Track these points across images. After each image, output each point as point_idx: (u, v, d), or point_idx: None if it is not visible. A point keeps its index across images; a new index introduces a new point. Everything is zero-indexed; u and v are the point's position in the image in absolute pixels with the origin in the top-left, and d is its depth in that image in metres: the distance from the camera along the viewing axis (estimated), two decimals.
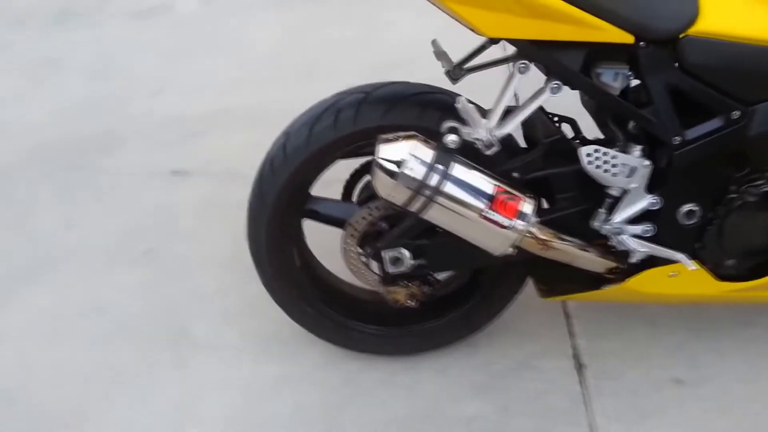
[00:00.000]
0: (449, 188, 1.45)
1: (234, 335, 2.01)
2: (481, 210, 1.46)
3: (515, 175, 1.56)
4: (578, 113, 1.76)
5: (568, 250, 1.57)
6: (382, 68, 2.71)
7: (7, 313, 2.11)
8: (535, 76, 1.53)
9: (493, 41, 1.61)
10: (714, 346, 1.95)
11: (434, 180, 1.44)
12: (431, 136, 1.51)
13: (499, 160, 1.57)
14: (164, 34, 3.41)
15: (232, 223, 2.09)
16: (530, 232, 1.52)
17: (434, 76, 1.75)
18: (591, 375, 1.89)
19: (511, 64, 1.53)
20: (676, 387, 1.86)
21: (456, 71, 1.79)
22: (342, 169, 1.78)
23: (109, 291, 2.16)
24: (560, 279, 1.78)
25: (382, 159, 1.43)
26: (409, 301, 1.73)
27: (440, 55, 1.79)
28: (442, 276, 1.83)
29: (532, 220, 1.50)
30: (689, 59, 1.48)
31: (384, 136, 1.47)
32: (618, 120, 1.58)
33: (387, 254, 1.64)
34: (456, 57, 1.77)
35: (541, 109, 1.73)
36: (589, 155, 1.51)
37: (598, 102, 1.62)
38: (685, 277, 1.64)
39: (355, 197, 1.82)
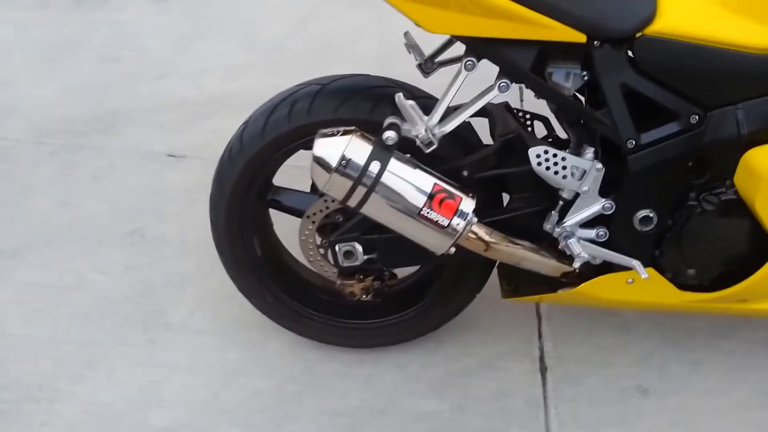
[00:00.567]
0: (385, 185, 1.43)
1: (205, 320, 2.04)
2: (418, 209, 1.44)
3: (465, 173, 1.53)
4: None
5: (514, 252, 1.54)
6: (389, 55, 2.68)
7: None
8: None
9: None
10: (687, 356, 1.90)
11: (370, 176, 1.43)
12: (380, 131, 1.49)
13: (449, 157, 1.55)
14: (179, 16, 3.44)
15: None
16: (473, 232, 1.49)
17: None
18: (553, 379, 1.86)
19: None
20: (640, 396, 1.82)
21: (428, 64, 1.77)
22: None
23: (93, 269, 2.20)
24: (524, 280, 1.75)
25: (317, 154, 1.42)
26: (364, 296, 1.72)
27: (412, 47, 1.77)
28: (402, 271, 1.82)
29: (473, 220, 1.47)
30: (645, 60, 1.43)
31: (323, 131, 1.46)
32: (571, 121, 1.54)
33: (340, 248, 1.63)
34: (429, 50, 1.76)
35: (505, 105, 1.71)
36: (538, 156, 1.48)
37: (550, 102, 1.58)
38: (644, 284, 1.59)
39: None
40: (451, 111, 1.48)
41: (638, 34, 1.41)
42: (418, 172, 1.45)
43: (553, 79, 1.45)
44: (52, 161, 2.63)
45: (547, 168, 1.48)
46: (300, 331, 1.87)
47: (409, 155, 1.47)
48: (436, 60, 1.77)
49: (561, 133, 1.71)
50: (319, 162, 1.43)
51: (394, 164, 1.43)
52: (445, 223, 1.45)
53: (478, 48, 1.44)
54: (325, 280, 1.81)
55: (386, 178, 1.43)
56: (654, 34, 1.41)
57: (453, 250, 1.50)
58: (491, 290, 1.82)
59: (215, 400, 1.84)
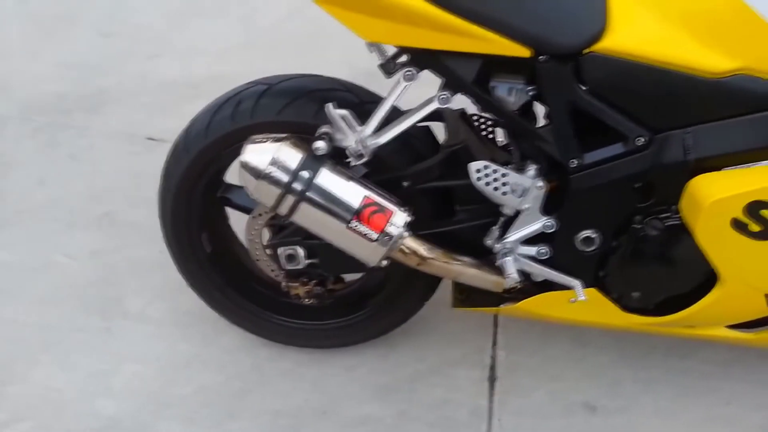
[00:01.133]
0: (313, 196, 1.41)
1: (161, 310, 2.04)
2: (347, 221, 1.42)
3: (405, 183, 1.50)
4: None
5: (448, 268, 1.51)
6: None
7: None
8: None
9: None
10: (641, 374, 1.86)
11: (298, 186, 1.40)
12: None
13: (393, 166, 1.52)
14: None
15: None
16: (406, 246, 1.46)
17: None
18: (501, 390, 1.83)
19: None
20: (586, 413, 1.79)
21: (389, 65, 1.72)
22: None
23: (60, 252, 2.22)
24: (476, 290, 1.72)
25: (245, 159, 1.40)
26: (307, 299, 1.71)
27: (374, 46, 1.73)
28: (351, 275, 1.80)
29: (403, 234, 1.44)
30: (592, 78, 1.38)
31: (254, 137, 1.44)
32: (515, 136, 1.50)
33: (283, 250, 1.62)
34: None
35: (461, 112, 1.66)
36: (478, 171, 1.44)
37: (494, 117, 1.53)
38: (587, 304, 1.55)
39: None
40: (393, 119, 1.45)
41: (585, 51, 1.36)
42: (349, 183, 1.42)
43: (497, 93, 1.41)
44: (35, 139, 2.64)
45: (487, 184, 1.44)
46: (248, 328, 1.87)
47: (341, 166, 1.44)
48: (398, 61, 1.72)
49: None
50: (246, 168, 1.41)
51: (324, 175, 1.41)
52: (374, 236, 1.42)
53: (421, 58, 1.40)
54: (274, 279, 1.80)
55: (314, 189, 1.40)
56: (602, 51, 1.36)
57: (385, 263, 1.48)
58: (450, 296, 1.79)
59: (161, 392, 1.85)
